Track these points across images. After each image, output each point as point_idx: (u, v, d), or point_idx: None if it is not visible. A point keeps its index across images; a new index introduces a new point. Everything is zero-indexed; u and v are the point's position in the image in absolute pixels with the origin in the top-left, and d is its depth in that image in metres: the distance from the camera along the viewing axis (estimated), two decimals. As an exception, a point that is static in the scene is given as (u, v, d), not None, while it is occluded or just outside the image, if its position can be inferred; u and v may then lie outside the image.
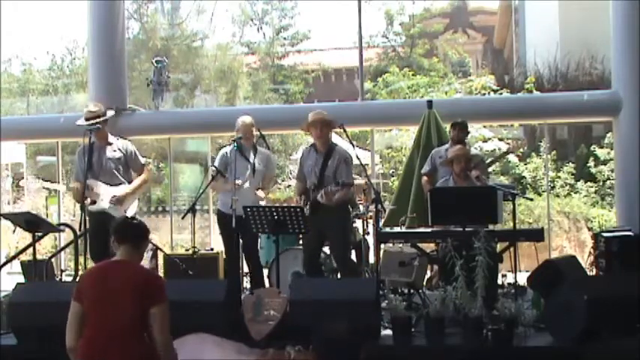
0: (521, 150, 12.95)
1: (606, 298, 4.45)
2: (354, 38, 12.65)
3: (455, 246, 4.84)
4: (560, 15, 15.69)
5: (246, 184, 6.01)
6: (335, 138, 6.14)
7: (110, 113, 6.14)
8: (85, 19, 8.40)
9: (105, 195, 5.92)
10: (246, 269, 6.44)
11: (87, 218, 5.72)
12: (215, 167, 6.10)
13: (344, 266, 5.89)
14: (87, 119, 5.90)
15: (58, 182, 9.22)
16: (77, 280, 3.81)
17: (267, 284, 6.16)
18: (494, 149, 12.12)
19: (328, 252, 6.13)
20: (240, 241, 6.04)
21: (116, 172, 5.98)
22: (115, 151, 6.02)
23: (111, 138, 6.09)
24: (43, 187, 6.40)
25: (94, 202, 5.87)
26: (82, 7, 8.60)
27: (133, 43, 17.10)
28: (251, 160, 6.13)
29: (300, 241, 6.99)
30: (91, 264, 5.63)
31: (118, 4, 8.50)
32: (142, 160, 6.21)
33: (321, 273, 6.09)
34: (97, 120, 5.88)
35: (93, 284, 3.41)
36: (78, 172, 6.04)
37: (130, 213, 5.90)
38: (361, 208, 6.60)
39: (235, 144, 5.97)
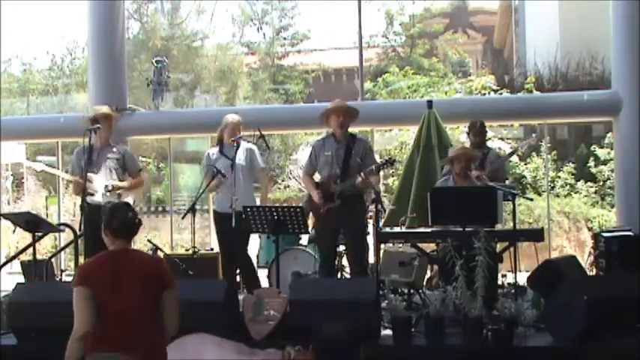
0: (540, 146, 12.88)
1: (606, 298, 4.45)
2: (354, 38, 12.63)
3: (455, 246, 4.84)
4: (560, 15, 15.69)
5: (229, 182, 5.97)
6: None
7: (117, 117, 6.46)
8: (85, 19, 8.40)
9: (102, 188, 6.03)
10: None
11: (85, 217, 5.75)
12: (215, 167, 6.10)
13: (359, 262, 5.83)
14: (94, 117, 6.11)
15: (58, 184, 9.23)
16: (79, 267, 3.73)
17: (266, 284, 6.16)
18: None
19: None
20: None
21: (114, 172, 6.14)
22: (114, 152, 6.21)
23: (111, 141, 6.30)
24: (43, 170, 6.46)
25: (91, 195, 5.95)
26: (82, 7, 8.60)
27: (133, 43, 17.10)
28: (230, 157, 6.09)
29: (300, 241, 7.01)
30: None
31: (118, 4, 8.50)
32: (140, 166, 6.47)
33: (335, 274, 6.09)
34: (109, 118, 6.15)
35: (102, 272, 3.33)
36: (75, 168, 6.18)
37: None
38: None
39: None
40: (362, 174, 5.51)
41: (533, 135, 7.39)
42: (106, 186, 6.02)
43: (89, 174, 5.91)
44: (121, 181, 6.18)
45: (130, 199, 6.14)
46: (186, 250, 7.08)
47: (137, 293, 3.28)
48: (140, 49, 17.61)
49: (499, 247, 5.56)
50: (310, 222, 5.88)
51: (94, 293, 3.27)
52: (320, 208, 5.75)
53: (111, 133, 6.26)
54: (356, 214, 5.75)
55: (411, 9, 21.90)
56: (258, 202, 6.41)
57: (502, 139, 12.28)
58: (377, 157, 6.59)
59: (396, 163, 5.97)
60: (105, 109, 6.29)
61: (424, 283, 6.32)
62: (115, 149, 6.24)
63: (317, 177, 6.07)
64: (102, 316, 3.27)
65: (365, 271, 5.94)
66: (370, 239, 6.32)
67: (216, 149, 6.29)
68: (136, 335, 3.24)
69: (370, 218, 6.25)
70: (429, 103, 7.52)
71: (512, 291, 5.42)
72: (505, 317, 4.49)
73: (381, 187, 9.26)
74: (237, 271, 6.34)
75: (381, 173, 6.34)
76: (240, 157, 6.15)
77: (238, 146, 6.07)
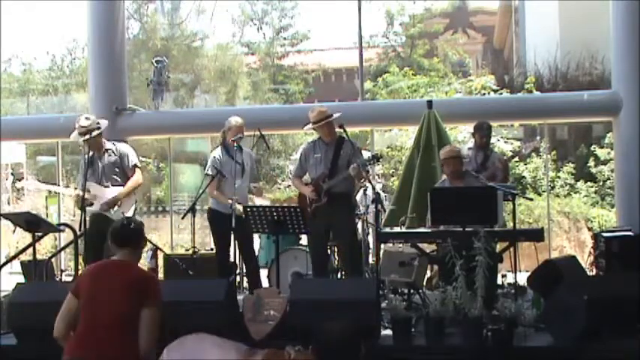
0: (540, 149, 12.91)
1: (606, 298, 4.45)
2: (354, 38, 12.64)
3: (455, 246, 4.84)
4: (560, 15, 15.68)
5: (238, 183, 5.99)
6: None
7: (104, 124, 6.07)
8: (85, 19, 8.40)
9: (101, 198, 5.93)
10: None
11: (86, 219, 5.74)
12: (216, 168, 6.10)
13: (353, 262, 5.84)
14: (80, 134, 5.91)
15: (58, 184, 9.21)
16: (79, 274, 3.84)
17: (266, 284, 6.16)
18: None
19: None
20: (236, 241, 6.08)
21: (115, 177, 6.00)
22: (110, 155, 6.04)
23: (107, 144, 6.07)
24: (42, 189, 6.38)
25: (91, 204, 5.89)
26: (82, 7, 8.60)
27: (133, 43, 17.09)
28: (239, 160, 6.12)
29: (300, 241, 7.01)
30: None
31: (118, 4, 8.50)
32: (134, 162, 6.11)
33: (327, 273, 6.09)
34: (91, 135, 5.88)
35: (90, 281, 3.43)
36: (81, 178, 6.05)
37: (128, 215, 5.90)
38: (361, 208, 6.60)
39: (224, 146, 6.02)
40: (354, 165, 5.57)
41: (537, 138, 7.38)
42: (102, 205, 5.90)
43: (89, 184, 5.82)
44: (124, 181, 6.00)
45: (130, 205, 6.04)
46: (186, 250, 7.08)
47: (118, 305, 3.31)
48: (140, 49, 17.60)
49: (499, 247, 5.56)
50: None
51: (78, 304, 3.40)
52: (307, 208, 5.78)
53: (99, 141, 5.98)
54: (344, 214, 5.80)
55: (411, 9, 21.93)
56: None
57: (503, 139, 12.28)
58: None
59: (382, 160, 5.98)
60: (83, 121, 5.92)
61: (424, 283, 6.32)
62: (111, 151, 6.04)
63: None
64: (81, 324, 3.36)
65: (360, 270, 5.93)
66: (370, 239, 6.32)
67: (219, 151, 6.22)
68: (104, 347, 3.25)
69: (369, 218, 6.25)
70: (429, 103, 7.52)
71: (512, 291, 5.41)
72: (505, 317, 4.49)
73: (380, 187, 9.24)
74: (237, 271, 6.35)
75: (378, 168, 6.34)
76: (247, 161, 6.22)
77: (240, 148, 6.09)
